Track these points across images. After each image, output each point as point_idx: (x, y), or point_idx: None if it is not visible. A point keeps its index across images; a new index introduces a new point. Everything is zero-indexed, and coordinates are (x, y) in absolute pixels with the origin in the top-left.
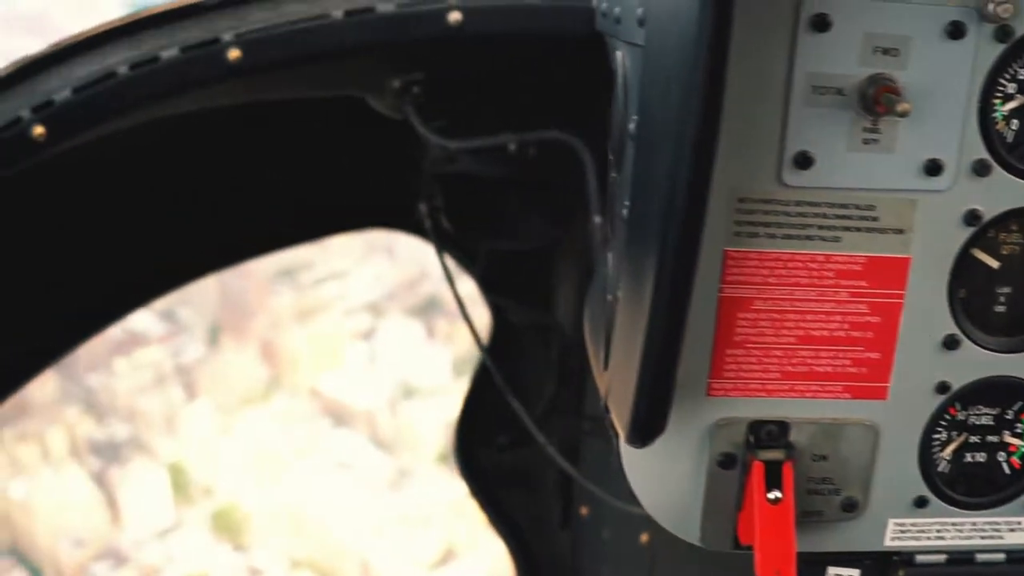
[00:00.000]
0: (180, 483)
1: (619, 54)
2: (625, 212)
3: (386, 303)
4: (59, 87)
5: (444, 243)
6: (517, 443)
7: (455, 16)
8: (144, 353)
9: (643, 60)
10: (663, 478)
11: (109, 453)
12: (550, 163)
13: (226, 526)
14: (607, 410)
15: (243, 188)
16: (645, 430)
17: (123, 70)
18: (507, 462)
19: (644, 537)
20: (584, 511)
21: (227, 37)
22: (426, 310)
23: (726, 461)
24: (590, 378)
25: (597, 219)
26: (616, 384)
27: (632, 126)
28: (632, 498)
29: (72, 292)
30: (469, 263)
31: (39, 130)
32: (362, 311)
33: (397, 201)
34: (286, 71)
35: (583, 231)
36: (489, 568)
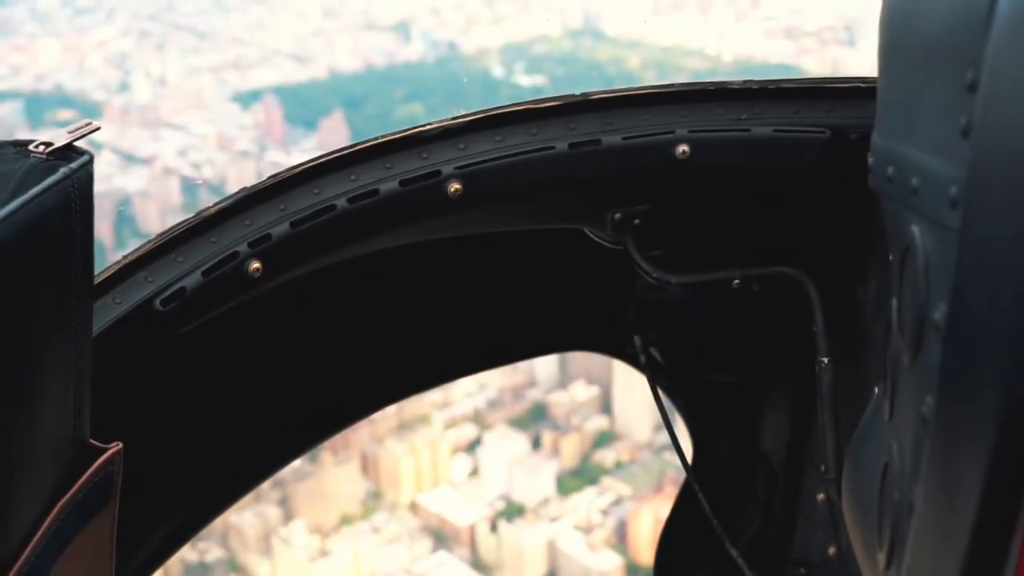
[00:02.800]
0: None
1: (915, 229)
2: (926, 410)
3: (489, 413)
4: (276, 221)
5: (654, 372)
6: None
7: (682, 148)
8: None
9: (959, 247)
10: None
11: None
12: (770, 300)
13: None
14: None
15: (463, 308)
16: None
17: (342, 203)
18: None
19: None
20: None
21: (447, 170)
22: (531, 421)
23: None
24: (801, 518)
25: (824, 361)
26: None
27: (938, 316)
28: None
29: (272, 424)
30: (675, 391)
31: (255, 265)
32: (464, 421)
33: (609, 327)
34: (505, 205)
35: (795, 365)
36: None
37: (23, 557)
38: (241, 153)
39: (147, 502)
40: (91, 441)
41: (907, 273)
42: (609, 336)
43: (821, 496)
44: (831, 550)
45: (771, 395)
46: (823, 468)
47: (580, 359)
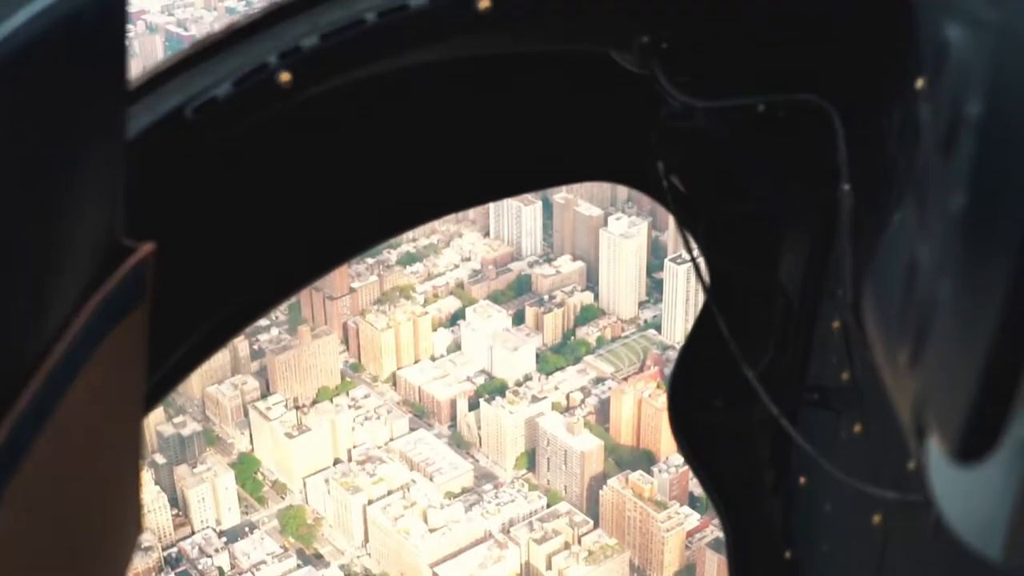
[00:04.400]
0: (251, 481)
1: (951, 29)
2: (957, 207)
3: (472, 286)
4: (306, 33)
5: (675, 201)
6: (733, 406)
7: None
8: None
9: (997, 40)
10: (970, 487)
11: (178, 448)
12: (794, 127)
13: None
14: (917, 413)
15: (483, 137)
16: (976, 446)
17: (372, 17)
18: (721, 425)
19: (876, 518)
20: (803, 481)
21: None
22: (515, 295)
23: None
24: (816, 346)
25: (846, 188)
26: (937, 391)
27: (975, 111)
28: (862, 475)
29: (286, 244)
30: (694, 219)
31: (285, 77)
32: (447, 294)
33: (630, 155)
34: (535, 23)
35: (816, 195)
36: None
37: (54, 355)
38: (228, 10)
39: (178, 306)
40: (123, 242)
41: (941, 75)
42: (630, 164)
43: (836, 324)
44: (844, 375)
45: (790, 224)
46: (840, 294)
47: (567, 232)
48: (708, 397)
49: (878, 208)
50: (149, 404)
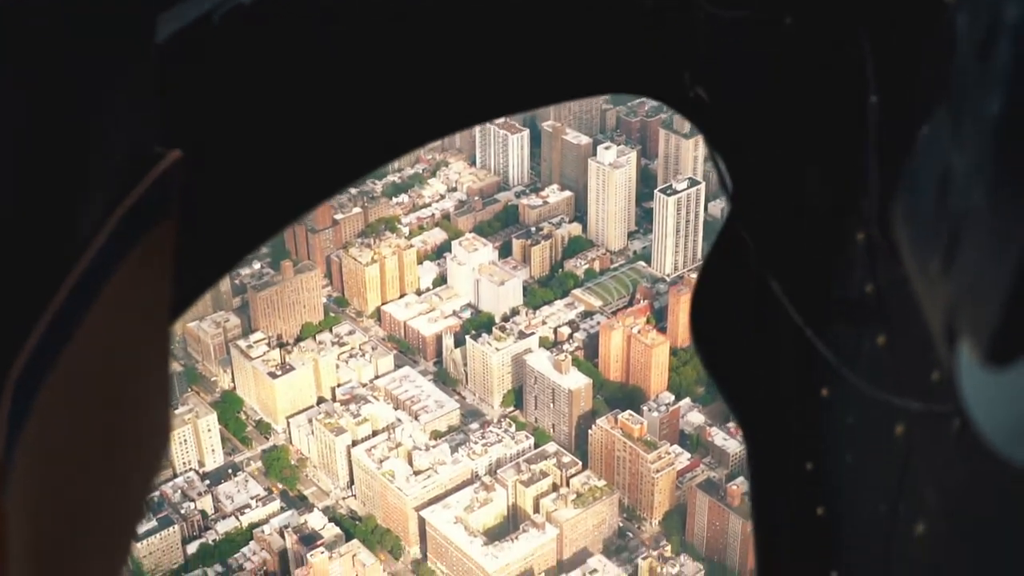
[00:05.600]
0: (234, 420)
1: None
2: (993, 111)
3: (458, 218)
4: None
5: (699, 114)
6: (756, 318)
7: None
8: None
9: None
10: (1000, 392)
11: None
12: (822, 40)
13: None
14: (949, 319)
15: (500, 46)
16: (1009, 350)
17: None
18: (744, 337)
19: (899, 429)
20: (825, 393)
21: None
22: (501, 226)
23: None
24: (841, 259)
25: (874, 99)
26: (969, 295)
27: (1013, 15)
28: (885, 386)
29: (302, 160)
30: (719, 133)
31: None
32: (433, 226)
33: (656, 66)
34: None
35: (842, 109)
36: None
37: (83, 262)
38: None
39: (208, 214)
40: (153, 151)
41: None
42: (654, 75)
43: (861, 236)
44: (868, 288)
45: (816, 137)
46: (865, 206)
47: (555, 161)
48: (731, 309)
49: (906, 121)
50: (175, 313)
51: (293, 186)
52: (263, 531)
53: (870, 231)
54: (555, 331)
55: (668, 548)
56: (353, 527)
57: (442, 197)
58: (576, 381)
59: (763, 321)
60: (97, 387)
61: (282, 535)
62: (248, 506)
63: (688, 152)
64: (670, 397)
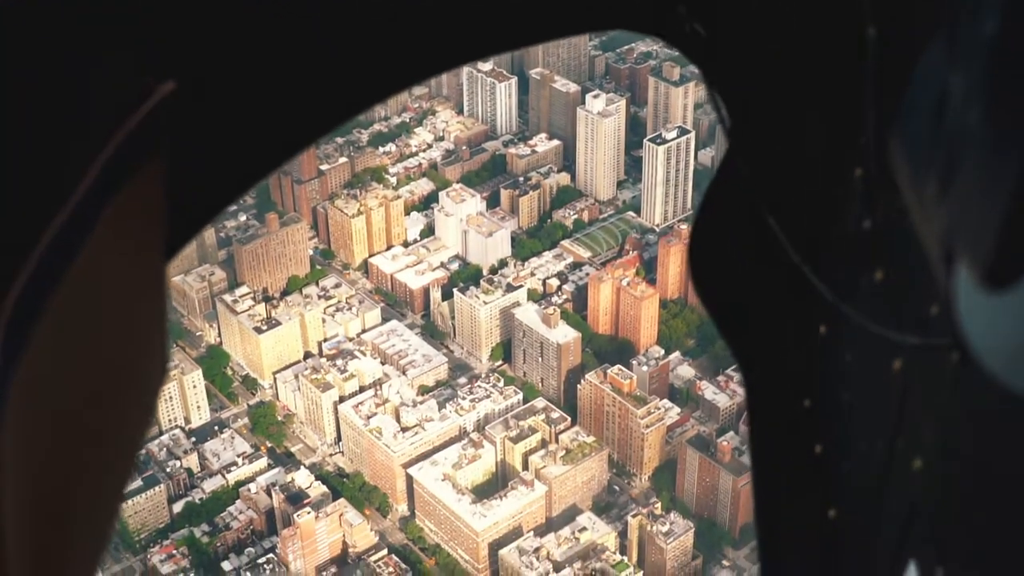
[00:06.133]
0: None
1: None
2: (990, 32)
3: (446, 168)
4: None
5: (696, 48)
6: (754, 254)
7: None
8: None
9: None
10: (998, 316)
11: None
12: None
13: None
14: (946, 241)
15: None
16: (1007, 270)
17: None
18: (742, 274)
19: (897, 365)
20: (823, 330)
21: None
22: (489, 176)
23: None
24: (839, 196)
25: (872, 32)
26: (967, 216)
27: None
28: (884, 321)
29: (302, 92)
30: (715, 70)
31: None
32: (420, 176)
33: (649, 2)
34: None
35: (839, 42)
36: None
37: (77, 193)
38: None
39: (200, 152)
40: (146, 83)
41: None
42: (651, 11)
43: (859, 171)
44: (866, 223)
45: (814, 71)
46: (863, 140)
47: (543, 110)
48: (729, 245)
49: (905, 54)
50: (169, 253)
51: (286, 123)
52: (249, 489)
53: (868, 166)
54: (544, 283)
55: (658, 505)
56: (340, 485)
57: (429, 146)
58: (565, 335)
59: (761, 258)
60: (92, 323)
61: (269, 493)
62: (234, 464)
63: (678, 100)
64: (660, 351)
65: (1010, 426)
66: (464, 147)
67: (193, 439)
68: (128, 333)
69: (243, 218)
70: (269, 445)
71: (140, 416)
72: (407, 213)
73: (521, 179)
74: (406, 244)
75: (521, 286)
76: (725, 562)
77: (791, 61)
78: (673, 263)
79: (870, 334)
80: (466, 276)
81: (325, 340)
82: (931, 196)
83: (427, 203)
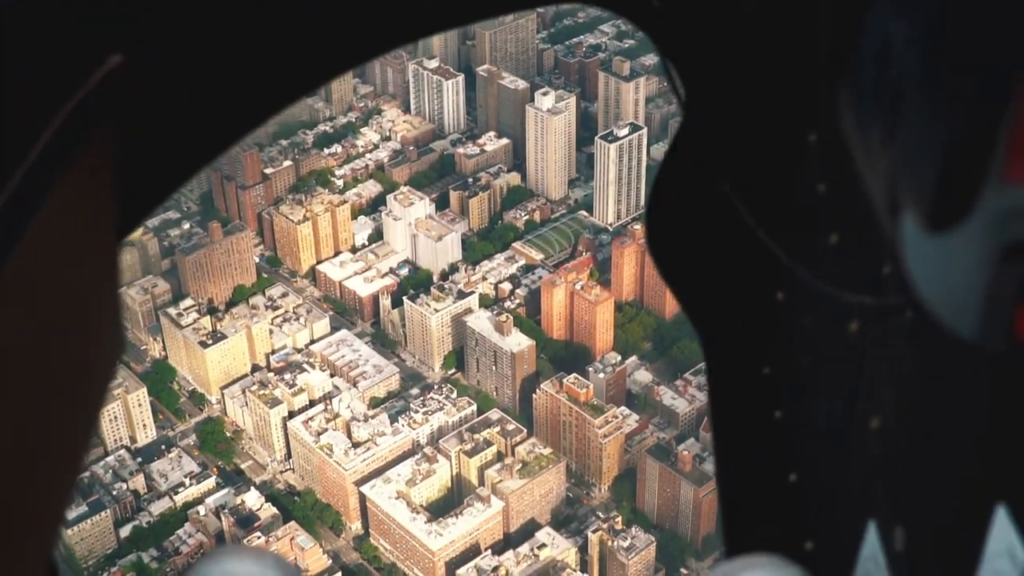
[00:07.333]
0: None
1: None
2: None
3: (393, 169)
4: None
5: (652, 21)
6: (709, 221)
7: None
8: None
9: None
10: (945, 261)
11: None
12: None
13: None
14: (892, 187)
15: None
16: (950, 212)
17: None
18: (699, 241)
19: (854, 326)
20: (780, 296)
21: None
22: (437, 177)
23: (1013, 252)
24: (793, 161)
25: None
26: (910, 161)
27: None
28: (839, 283)
29: (260, 67)
30: (674, 45)
31: None
32: (367, 179)
33: None
34: None
35: (797, 11)
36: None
37: (21, 168)
38: None
39: (151, 130)
40: (97, 55)
41: None
42: None
43: (812, 137)
44: (820, 187)
45: (767, 38)
46: (817, 105)
47: (491, 108)
48: (685, 214)
49: (856, 19)
50: (122, 231)
51: (239, 101)
52: (199, 512)
53: (821, 131)
54: (496, 287)
55: (619, 519)
56: (292, 504)
57: (376, 147)
58: (519, 343)
59: (717, 226)
60: (42, 296)
61: (218, 516)
62: (182, 484)
63: (629, 95)
64: (616, 356)
65: (963, 381)
66: (411, 147)
67: (139, 459)
68: (79, 308)
69: (186, 226)
70: (219, 464)
71: (93, 398)
72: (354, 217)
73: (470, 180)
74: (354, 250)
75: (472, 292)
76: (683, 570)
77: (745, 28)
78: (628, 264)
79: (827, 298)
80: (416, 282)
81: (273, 352)
82: (876, 144)
83: (375, 206)
